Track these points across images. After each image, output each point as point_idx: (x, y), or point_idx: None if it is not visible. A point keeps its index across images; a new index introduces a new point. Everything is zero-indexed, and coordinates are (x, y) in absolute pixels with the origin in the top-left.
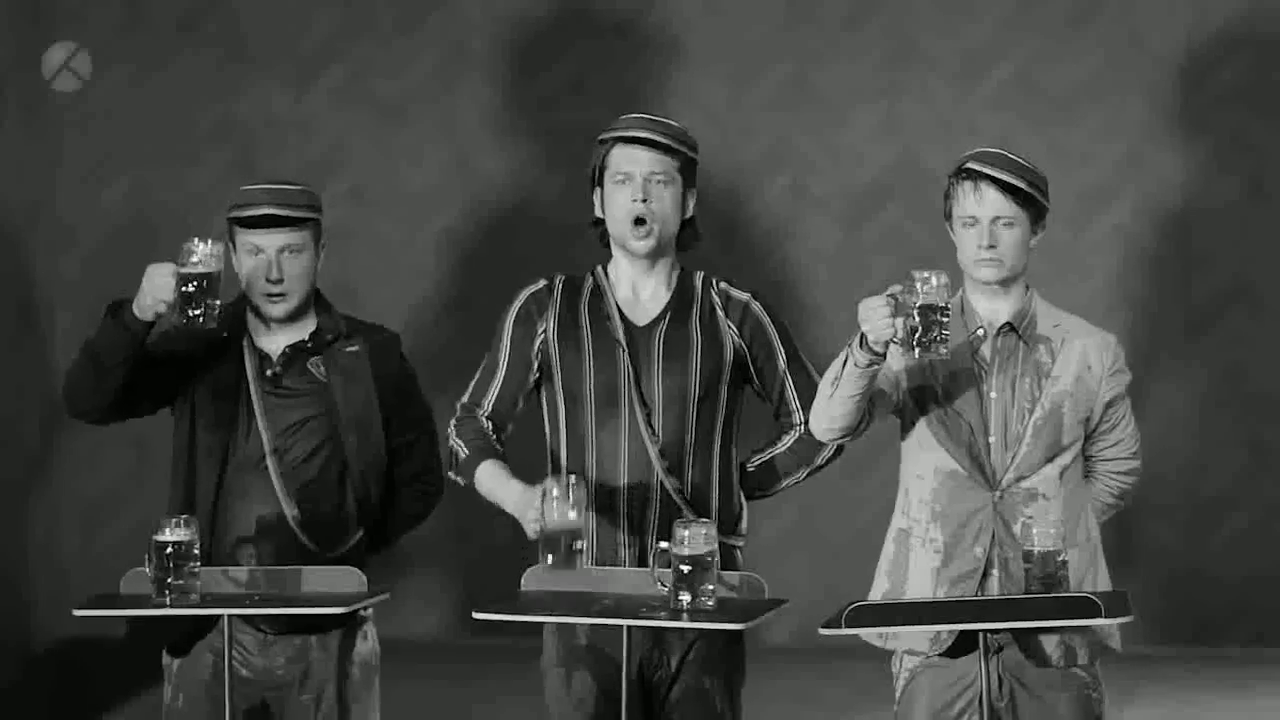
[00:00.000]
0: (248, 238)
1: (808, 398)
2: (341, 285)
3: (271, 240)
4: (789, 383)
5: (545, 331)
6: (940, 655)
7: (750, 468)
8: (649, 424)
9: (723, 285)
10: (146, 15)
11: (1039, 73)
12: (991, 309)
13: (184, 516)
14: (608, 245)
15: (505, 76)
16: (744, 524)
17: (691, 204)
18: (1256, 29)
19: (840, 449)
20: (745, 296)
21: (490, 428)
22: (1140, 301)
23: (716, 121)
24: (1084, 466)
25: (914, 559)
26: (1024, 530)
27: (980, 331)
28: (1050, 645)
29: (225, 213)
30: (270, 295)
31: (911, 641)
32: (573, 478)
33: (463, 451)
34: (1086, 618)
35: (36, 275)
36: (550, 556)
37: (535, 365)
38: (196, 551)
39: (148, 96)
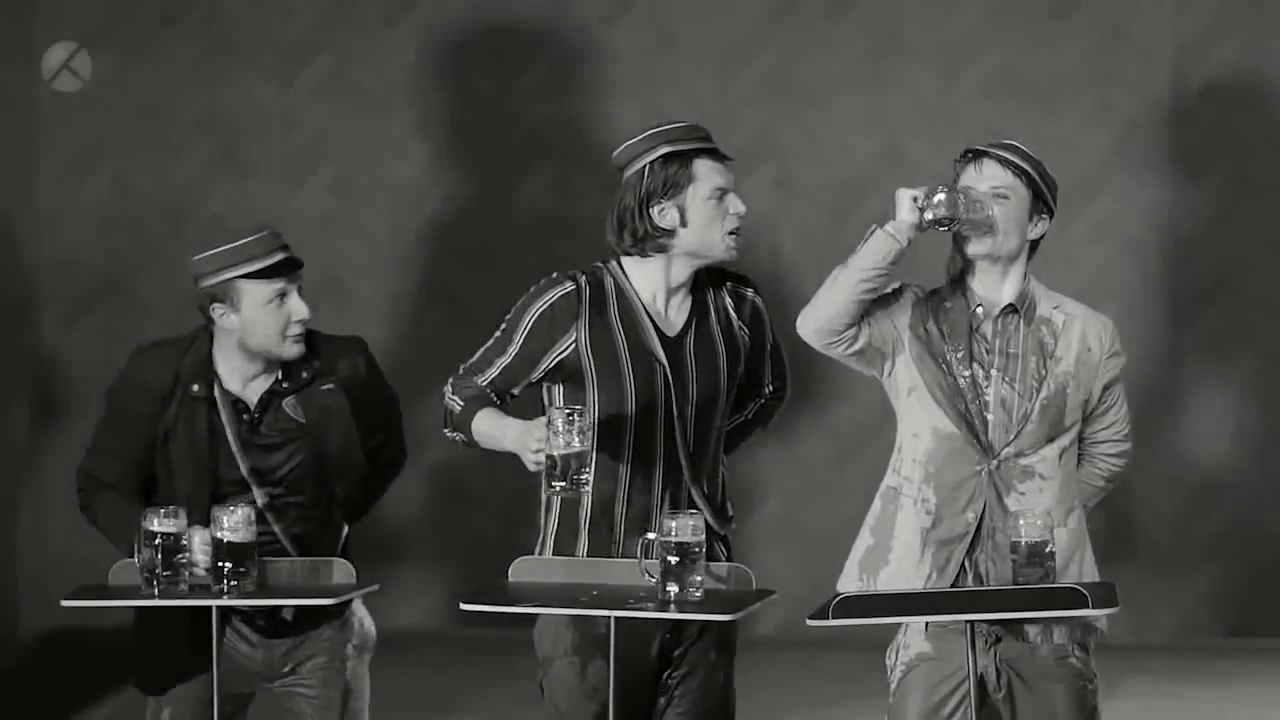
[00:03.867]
0: (268, 288)
1: (778, 368)
2: (326, 277)
3: (291, 283)
4: (766, 362)
5: (576, 341)
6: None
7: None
8: (684, 434)
9: (729, 283)
10: (130, 7)
11: (1023, 64)
12: (991, 290)
13: (173, 507)
14: (631, 252)
15: (489, 68)
16: (731, 510)
17: None
18: (1241, 20)
19: (781, 397)
20: (752, 294)
21: (489, 392)
22: (1125, 292)
23: (701, 113)
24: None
25: (902, 517)
26: (1013, 520)
27: (979, 310)
28: (1041, 633)
29: (216, 275)
30: (296, 337)
31: (901, 579)
32: (577, 407)
33: (457, 405)
34: (1074, 608)
35: (21, 267)
36: (557, 485)
37: (544, 368)
38: (185, 542)
39: (131, 88)
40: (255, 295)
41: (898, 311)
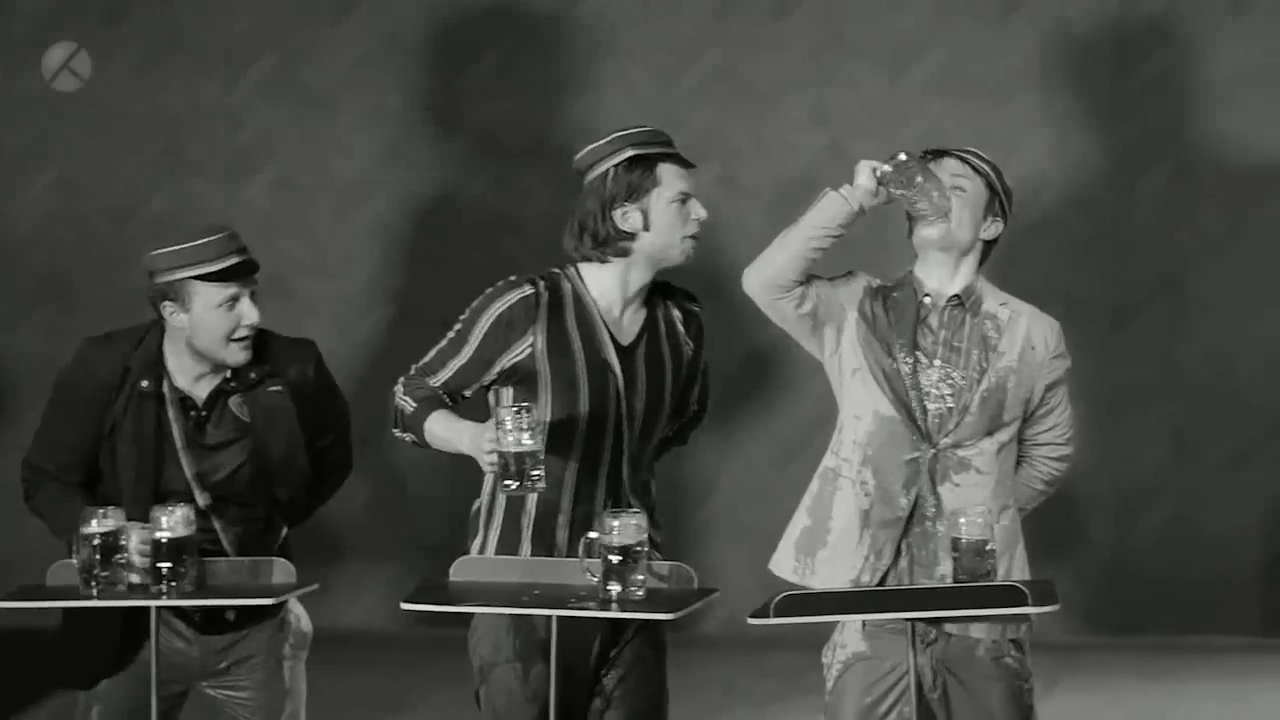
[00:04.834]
0: (220, 291)
1: (705, 388)
2: (271, 276)
3: (245, 287)
4: (699, 380)
5: (532, 346)
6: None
7: None
8: (630, 443)
9: (678, 298)
10: (76, 4)
11: (968, 62)
12: (941, 282)
13: (111, 508)
14: (591, 256)
15: (435, 65)
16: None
17: None
18: (1184, 19)
19: (701, 416)
20: (698, 309)
21: (441, 394)
22: (1068, 291)
23: (646, 111)
24: (1018, 451)
25: (840, 499)
26: (954, 519)
27: (927, 299)
28: (978, 632)
29: (170, 273)
30: (243, 342)
31: (832, 582)
32: (524, 404)
33: (409, 406)
34: (1013, 606)
35: None
36: (512, 484)
37: (498, 370)
38: (124, 542)
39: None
40: (207, 297)
41: (846, 292)
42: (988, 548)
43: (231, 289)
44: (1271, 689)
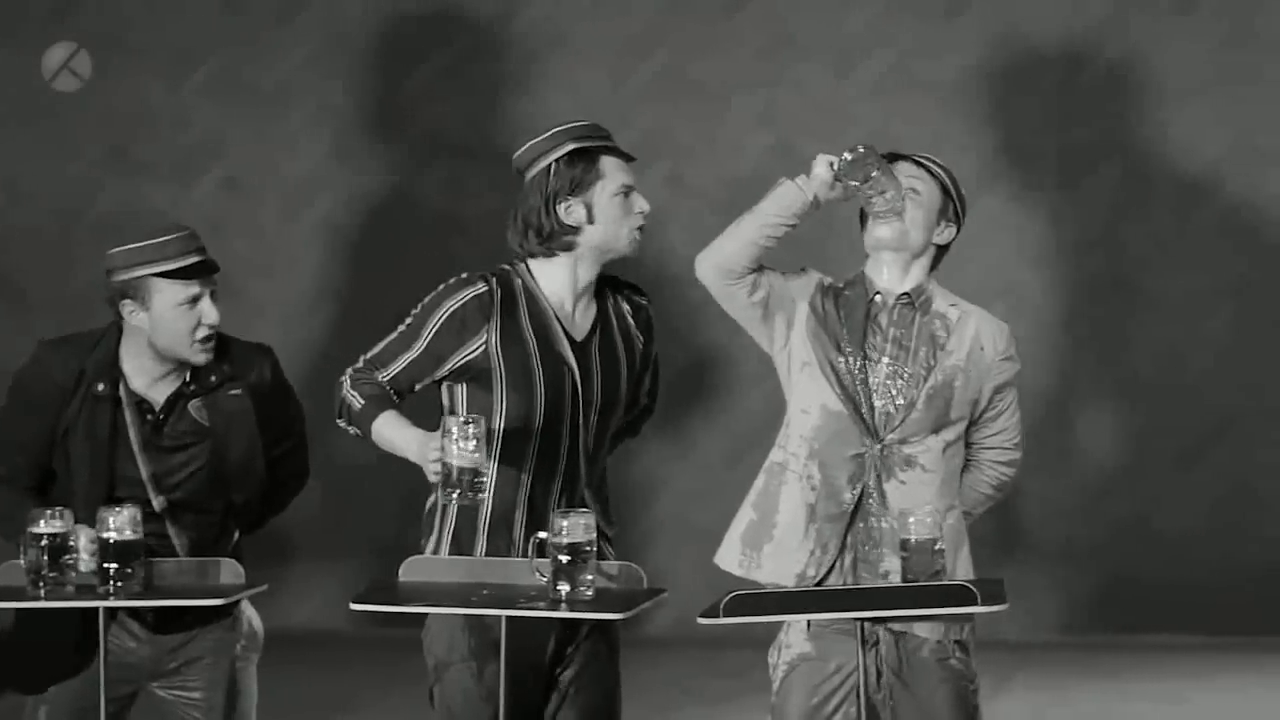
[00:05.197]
0: (181, 289)
1: (655, 380)
2: (219, 276)
3: (205, 287)
4: (649, 372)
5: (486, 343)
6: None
7: None
8: (585, 438)
9: (628, 292)
10: (19, 4)
11: (916, 62)
12: (891, 281)
13: (59, 509)
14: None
15: (383, 65)
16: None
17: None
18: (1131, 21)
19: (651, 409)
20: (646, 303)
21: (389, 391)
22: (1017, 290)
23: (595, 111)
24: (965, 455)
25: (786, 493)
26: (902, 519)
27: (878, 297)
28: (923, 632)
29: (130, 271)
30: (205, 343)
31: (777, 577)
32: (472, 416)
33: (357, 402)
34: (963, 605)
35: None
36: (454, 494)
37: (449, 367)
38: (72, 543)
39: (21, 85)
40: (168, 295)
41: (798, 284)
42: (937, 547)
43: (193, 288)
44: (1216, 688)
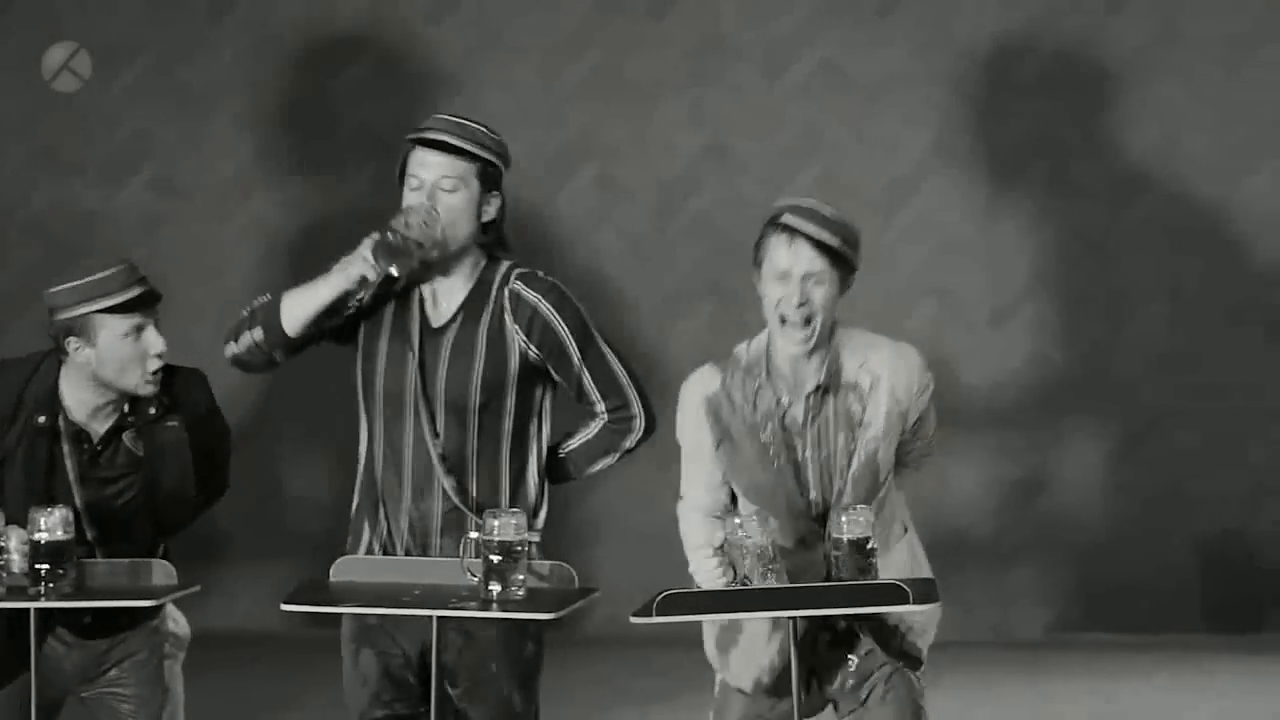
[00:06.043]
0: (125, 322)
1: (608, 387)
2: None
3: (148, 317)
4: (585, 377)
5: (360, 300)
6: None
7: (561, 454)
8: (432, 426)
9: (515, 285)
10: None
11: (846, 62)
12: (798, 370)
13: None
14: None
15: (314, 63)
16: (541, 519)
17: (493, 208)
18: (1061, 20)
19: (650, 430)
20: (535, 298)
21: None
22: (944, 290)
23: (526, 110)
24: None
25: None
26: (834, 517)
27: (786, 400)
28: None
29: (73, 309)
30: (153, 376)
31: (739, 680)
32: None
33: (258, 302)
34: (895, 604)
35: None
36: (394, 267)
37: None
38: (3, 544)
39: None
40: (112, 328)
41: (712, 462)
42: (869, 545)
43: (135, 319)
44: (1142, 687)
